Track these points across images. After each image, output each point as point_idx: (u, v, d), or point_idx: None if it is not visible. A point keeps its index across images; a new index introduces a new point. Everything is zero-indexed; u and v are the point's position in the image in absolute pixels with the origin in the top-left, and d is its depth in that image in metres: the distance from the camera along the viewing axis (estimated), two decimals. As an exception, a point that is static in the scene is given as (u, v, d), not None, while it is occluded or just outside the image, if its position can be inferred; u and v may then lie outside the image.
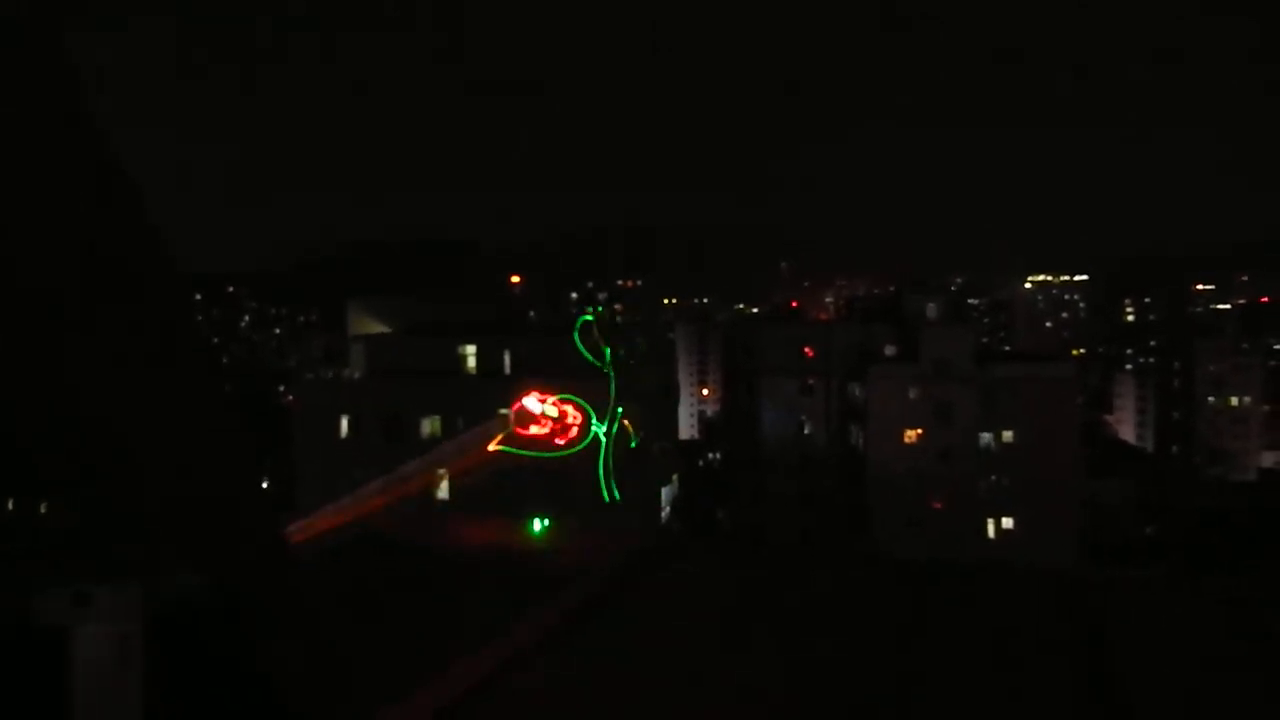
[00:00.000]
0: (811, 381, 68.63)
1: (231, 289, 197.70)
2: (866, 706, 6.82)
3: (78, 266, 1.73)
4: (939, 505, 61.72)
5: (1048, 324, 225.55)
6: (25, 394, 1.80)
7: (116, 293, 1.85)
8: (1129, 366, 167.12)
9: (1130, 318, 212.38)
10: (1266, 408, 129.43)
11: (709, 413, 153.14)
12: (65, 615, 1.69)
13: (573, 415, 44.43)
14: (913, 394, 63.10)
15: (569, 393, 46.95)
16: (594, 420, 44.27)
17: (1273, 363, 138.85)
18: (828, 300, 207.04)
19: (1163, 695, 7.27)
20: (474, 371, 51.10)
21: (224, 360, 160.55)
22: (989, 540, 61.27)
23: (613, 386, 45.41)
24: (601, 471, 44.49)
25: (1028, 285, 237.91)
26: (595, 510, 43.62)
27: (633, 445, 45.95)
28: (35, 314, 1.68)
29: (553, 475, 45.97)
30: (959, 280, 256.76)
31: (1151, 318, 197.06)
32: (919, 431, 63.26)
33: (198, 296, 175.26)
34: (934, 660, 7.69)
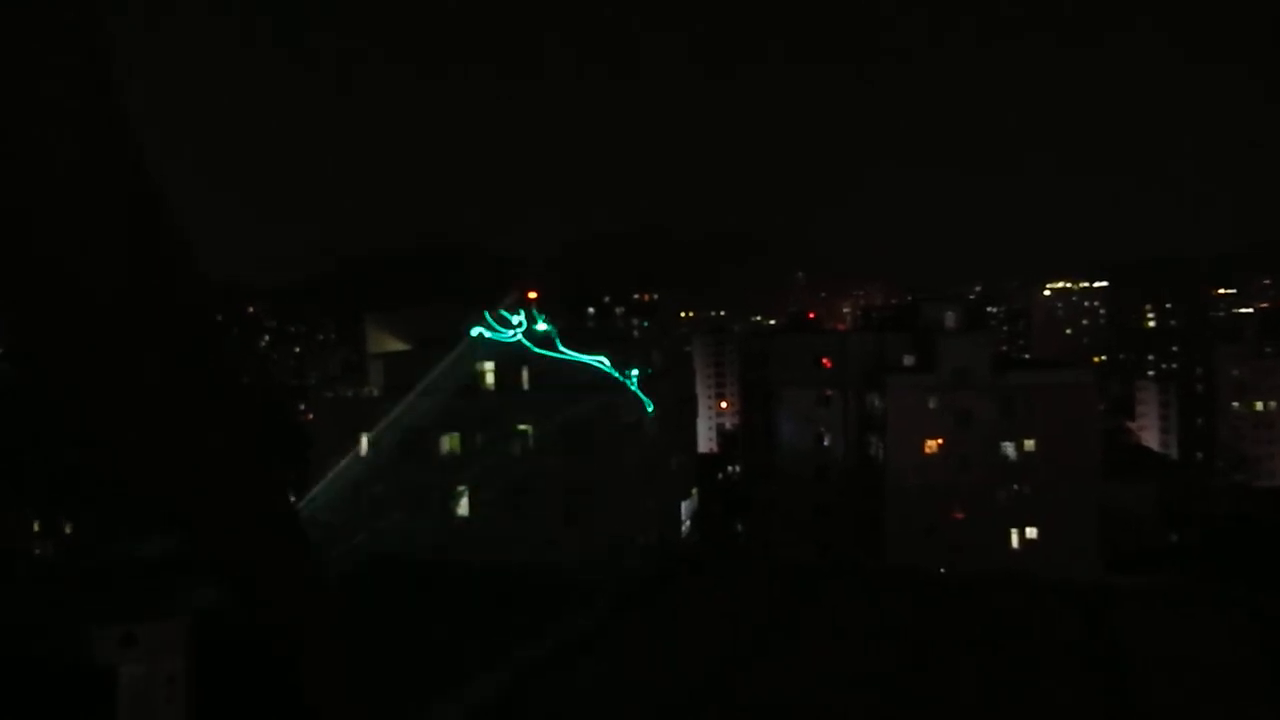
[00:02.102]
0: (829, 393, 68.43)
1: (251, 309, 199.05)
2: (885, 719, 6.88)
3: (120, 285, 1.82)
4: (959, 515, 61.39)
5: (1067, 331, 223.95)
6: (66, 425, 1.91)
7: (158, 317, 1.94)
8: (1151, 373, 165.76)
9: (1151, 323, 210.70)
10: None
11: (727, 425, 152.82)
12: (113, 654, 1.80)
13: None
14: (931, 403, 62.86)
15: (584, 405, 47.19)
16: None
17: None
18: (844, 310, 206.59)
19: (1185, 709, 7.29)
20: (493, 387, 51.35)
21: (244, 379, 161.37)
22: (1010, 550, 60.88)
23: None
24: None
25: (1046, 292, 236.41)
26: (615, 524, 43.69)
27: None
28: (72, 344, 1.78)
29: (573, 489, 46.14)
30: (977, 288, 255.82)
31: (1172, 323, 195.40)
32: (938, 441, 62.99)
33: (219, 316, 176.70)
34: (952, 672, 7.73)
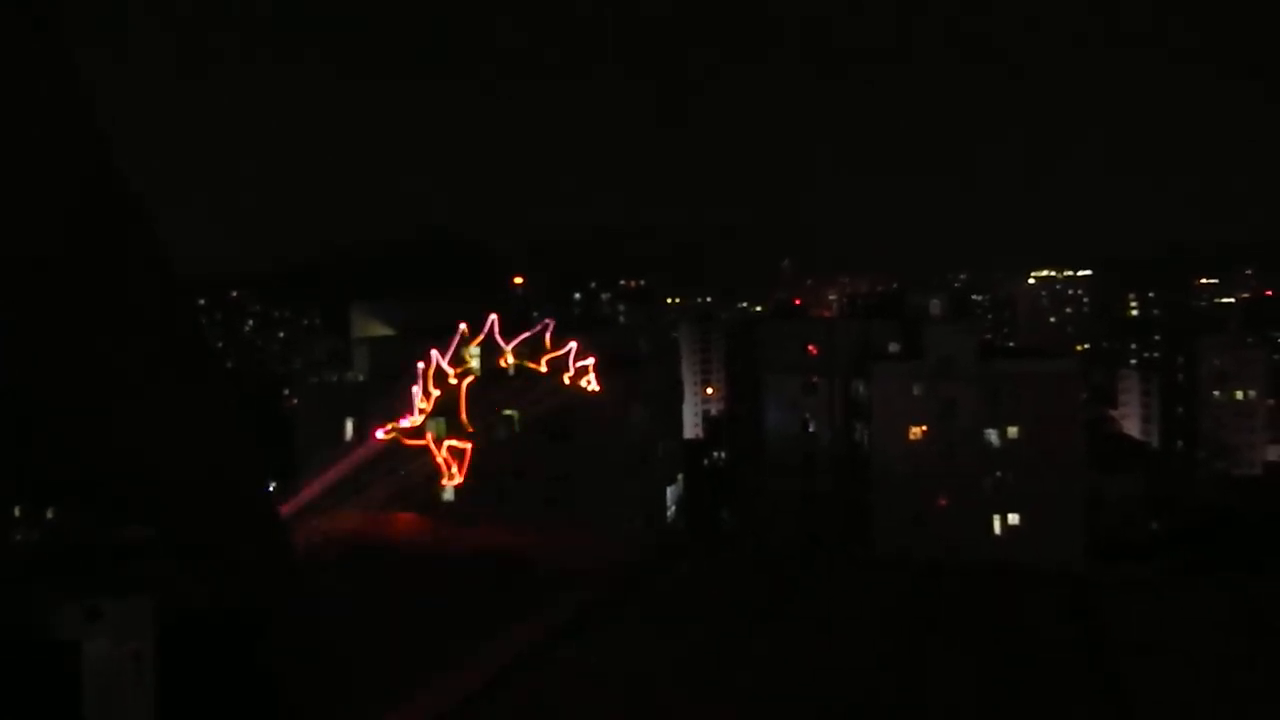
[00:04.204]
0: (815, 380, 68.55)
1: (235, 293, 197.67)
2: (873, 708, 6.82)
3: (81, 276, 1.73)
4: (944, 503, 61.69)
5: (1051, 320, 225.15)
6: (39, 409, 1.81)
7: (126, 308, 1.85)
8: (1133, 362, 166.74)
9: (1134, 312, 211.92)
10: (1271, 401, 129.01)
11: (714, 412, 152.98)
12: (77, 630, 1.70)
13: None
14: (917, 391, 63.06)
15: (572, 394, 47.06)
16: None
17: (1277, 356, 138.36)
18: (831, 298, 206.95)
19: (1171, 695, 7.27)
20: (478, 373, 51.11)
21: (228, 365, 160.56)
22: (994, 537, 61.24)
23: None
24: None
25: (1031, 281, 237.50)
26: (601, 510, 43.65)
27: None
28: (40, 329, 1.69)
29: (558, 477, 46.06)
30: (962, 277, 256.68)
31: (1155, 312, 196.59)
32: (923, 429, 63.22)
33: (201, 301, 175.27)
34: (939, 661, 7.69)
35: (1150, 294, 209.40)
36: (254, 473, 2.15)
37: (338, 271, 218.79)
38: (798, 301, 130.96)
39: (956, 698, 7.03)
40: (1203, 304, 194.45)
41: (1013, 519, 62.07)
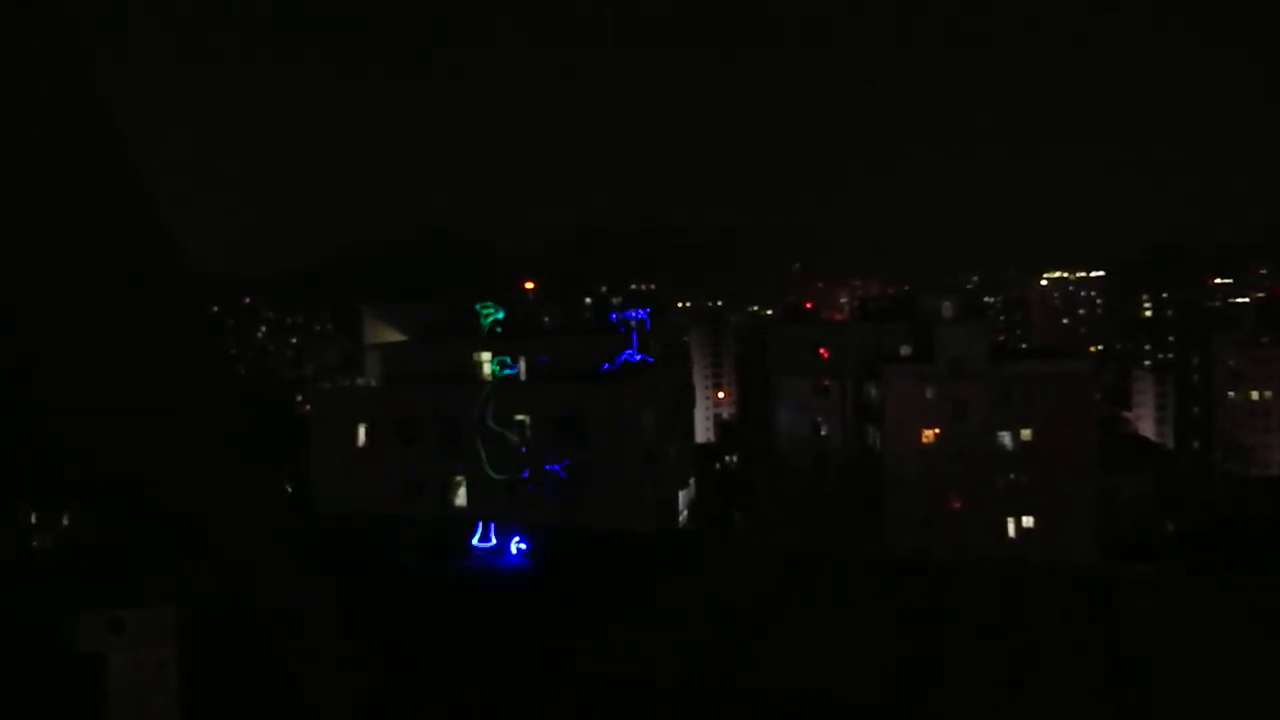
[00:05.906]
0: (827, 382, 68.49)
1: (249, 300, 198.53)
2: (880, 707, 6.87)
3: (95, 278, 1.80)
4: (957, 505, 61.53)
5: (1064, 321, 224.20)
6: (52, 413, 1.88)
7: (127, 308, 1.91)
8: (1147, 362, 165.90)
9: (1147, 312, 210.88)
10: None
11: (725, 415, 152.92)
12: (101, 641, 1.76)
13: None
14: (929, 393, 62.93)
15: (581, 395, 47.25)
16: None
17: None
18: (842, 301, 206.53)
19: (1182, 695, 7.29)
20: (490, 377, 51.30)
21: (241, 370, 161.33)
22: (1007, 539, 61.07)
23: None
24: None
25: (1043, 282, 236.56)
26: (612, 512, 43.68)
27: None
28: (51, 328, 1.76)
29: (571, 481, 46.17)
30: (974, 278, 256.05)
31: (1169, 312, 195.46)
32: (935, 431, 63.07)
33: (215, 308, 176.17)
34: (949, 660, 7.73)
35: (1164, 294, 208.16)
36: (258, 473, 2.20)
37: (338, 272, 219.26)
38: (809, 304, 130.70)
39: (971, 692, 7.07)
40: (1216, 304, 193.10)
41: (1025, 521, 61.89)
